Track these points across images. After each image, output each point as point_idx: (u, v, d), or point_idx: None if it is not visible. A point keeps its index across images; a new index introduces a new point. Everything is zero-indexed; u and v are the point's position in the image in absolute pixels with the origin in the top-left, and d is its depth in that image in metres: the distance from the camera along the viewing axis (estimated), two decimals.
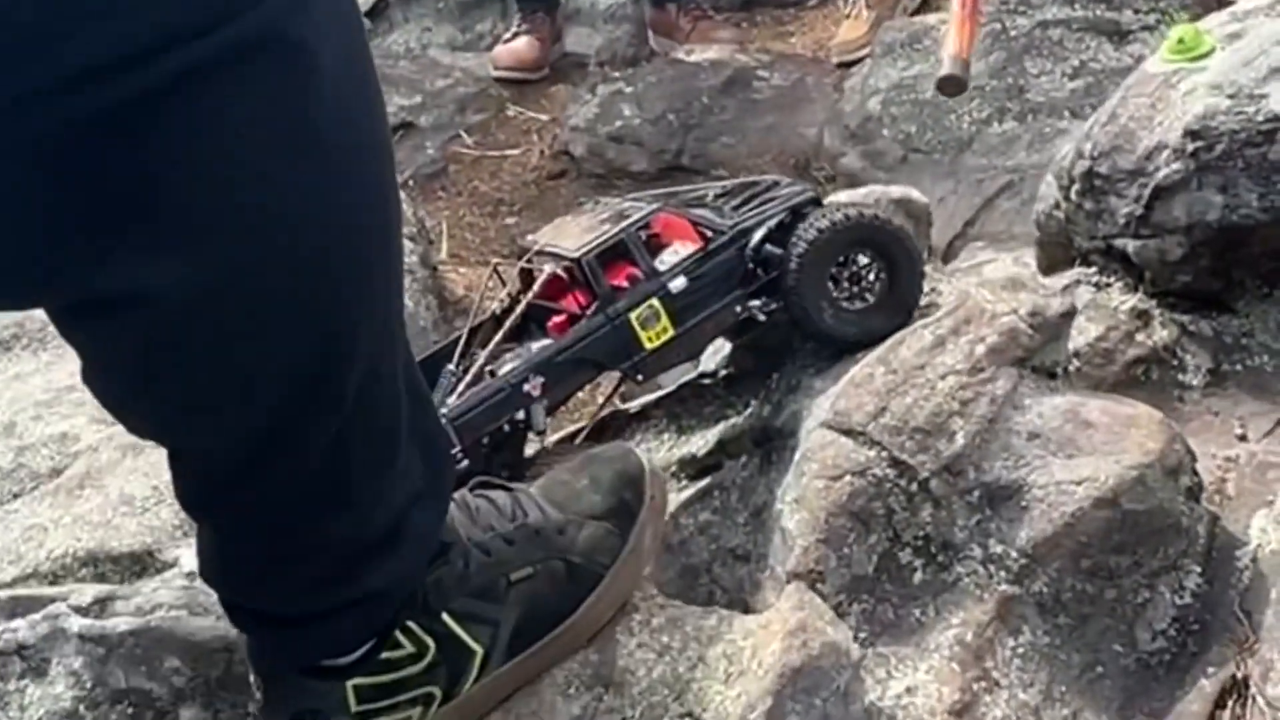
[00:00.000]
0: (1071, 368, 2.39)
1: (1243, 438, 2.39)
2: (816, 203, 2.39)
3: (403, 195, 4.01)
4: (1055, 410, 2.11)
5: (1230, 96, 2.43)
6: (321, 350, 1.48)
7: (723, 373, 2.48)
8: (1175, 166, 2.44)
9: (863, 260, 2.31)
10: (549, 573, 1.83)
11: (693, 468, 2.40)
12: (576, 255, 2.27)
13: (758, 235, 2.33)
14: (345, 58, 1.38)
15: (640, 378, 2.33)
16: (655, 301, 2.27)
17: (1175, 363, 2.48)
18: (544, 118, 4.95)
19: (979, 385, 2.10)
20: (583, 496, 1.89)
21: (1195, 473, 2.14)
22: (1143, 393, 2.43)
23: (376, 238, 1.51)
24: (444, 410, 2.21)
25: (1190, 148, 2.43)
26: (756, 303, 2.34)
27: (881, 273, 2.31)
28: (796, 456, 2.13)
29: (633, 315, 2.27)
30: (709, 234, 2.32)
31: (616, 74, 5.08)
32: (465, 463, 2.17)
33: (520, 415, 2.26)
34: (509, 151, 4.86)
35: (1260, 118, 2.40)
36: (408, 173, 4.83)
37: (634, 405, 2.52)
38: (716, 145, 4.57)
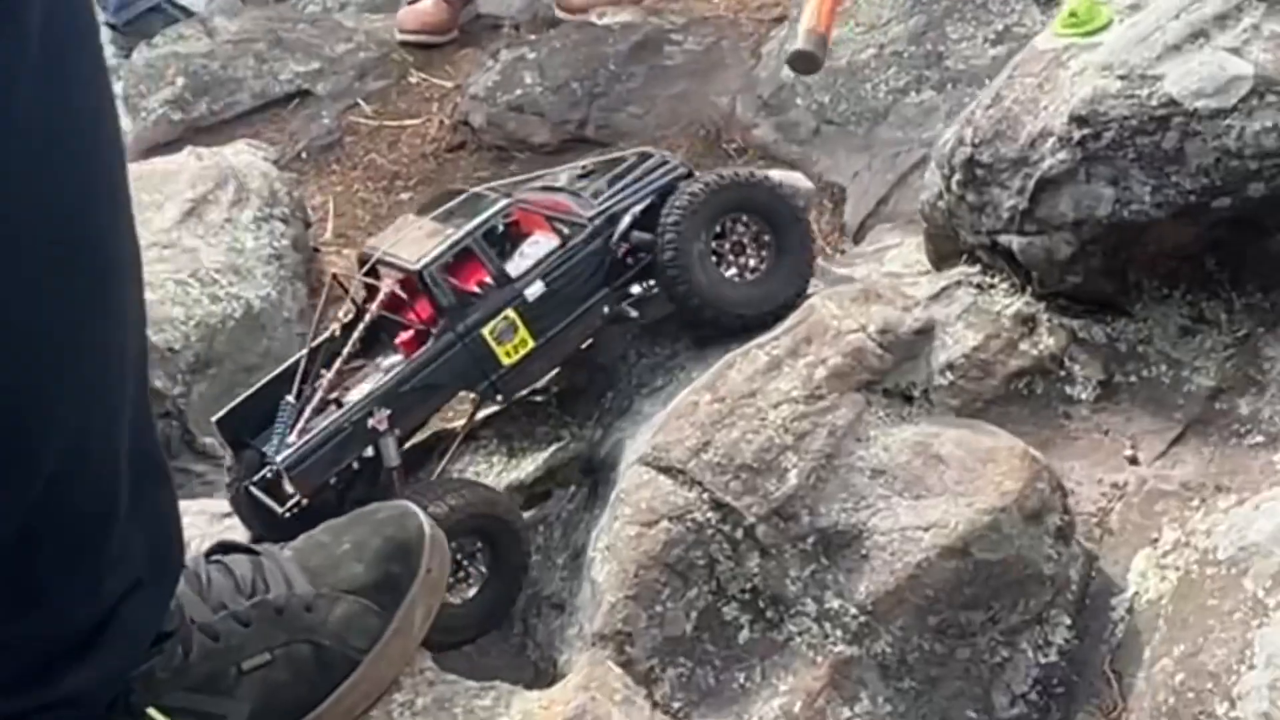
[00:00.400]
0: (945, 382, 2.14)
1: (1133, 460, 2.15)
2: (689, 178, 2.14)
3: (280, 174, 3.75)
4: (904, 443, 1.86)
5: (1121, 78, 2.17)
6: (2, 423, 1.24)
7: (555, 389, 2.22)
8: (1061, 156, 2.19)
9: (743, 226, 2.09)
10: (291, 658, 1.57)
11: (521, 495, 2.16)
12: (417, 267, 2.02)
13: (623, 224, 2.09)
14: (49, 85, 1.15)
15: (500, 397, 2.09)
16: (510, 312, 2.04)
17: (1062, 374, 2.24)
18: (448, 85, 4.68)
19: (817, 415, 1.85)
20: (342, 565, 1.64)
21: (1066, 510, 1.89)
22: (1025, 409, 2.20)
23: (83, 291, 1.26)
24: (283, 453, 1.98)
25: (1077, 135, 2.17)
26: (636, 290, 2.11)
27: (766, 237, 2.10)
28: (613, 495, 1.88)
29: (485, 330, 2.03)
30: (565, 230, 2.08)
31: (533, 36, 4.79)
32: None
33: (370, 452, 2.02)
34: (408, 121, 4.59)
35: (1153, 102, 2.14)
36: (301, 144, 4.57)
37: (459, 424, 2.26)
38: (623, 115, 4.30)
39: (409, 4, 5.01)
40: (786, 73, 4.20)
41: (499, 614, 2.01)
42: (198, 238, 3.49)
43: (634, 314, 2.13)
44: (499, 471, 2.21)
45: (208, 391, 3.29)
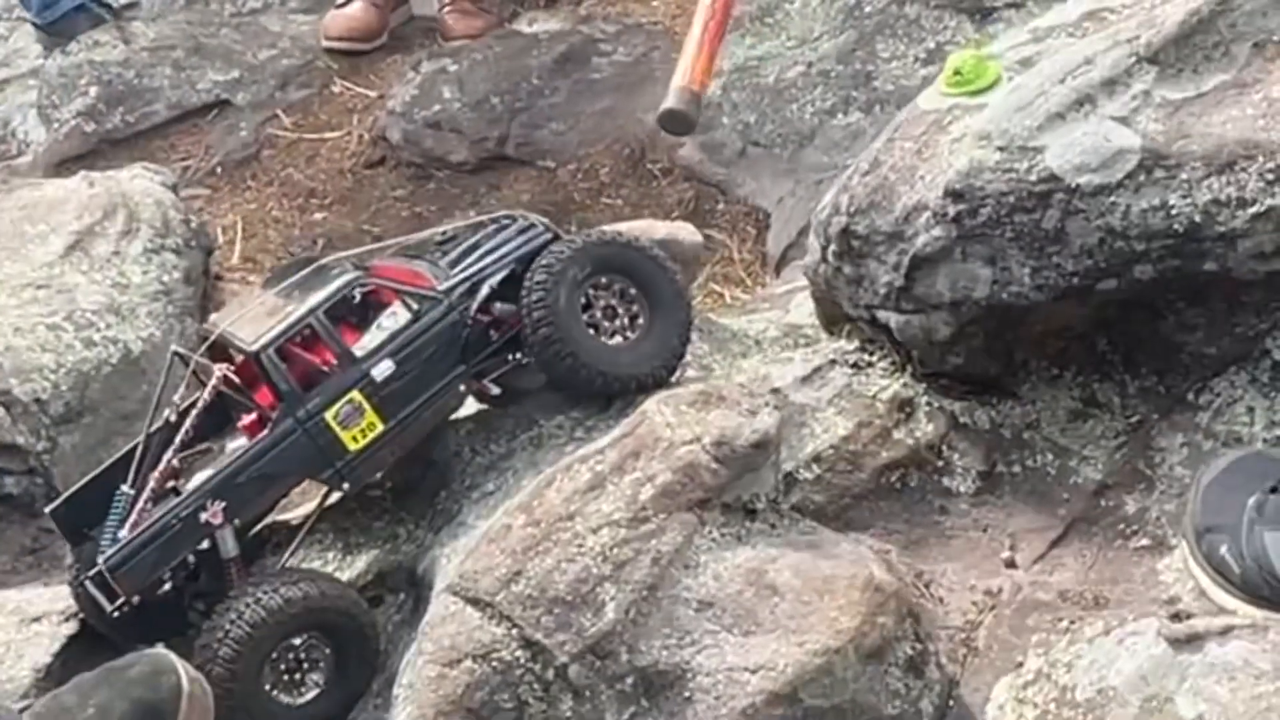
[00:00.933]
0: (810, 476, 1.99)
1: (1011, 563, 2.00)
2: (555, 240, 2.02)
3: (176, 200, 3.57)
4: (737, 570, 1.70)
5: (1000, 149, 2.01)
6: None
7: (390, 484, 2.07)
8: (935, 233, 2.03)
9: (612, 287, 1.98)
10: None
11: None
12: (253, 349, 1.89)
13: (480, 295, 1.96)
14: None
15: (347, 486, 1.95)
16: (356, 394, 1.90)
17: (940, 464, 2.09)
18: (371, 94, 4.51)
19: (640, 540, 1.70)
20: None
21: (919, 638, 1.75)
22: (898, 504, 2.05)
23: None
24: (107, 552, 1.86)
25: (952, 211, 2.01)
26: (494, 368, 1.99)
27: (640, 302, 1.98)
28: (422, 623, 1.73)
29: (329, 414, 1.89)
30: (415, 305, 1.94)
31: (464, 44, 4.61)
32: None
33: (206, 544, 1.91)
34: (328, 134, 4.42)
35: (1033, 177, 1.98)
36: (216, 159, 4.40)
37: (295, 515, 2.11)
38: (545, 132, 4.13)
39: (336, 8, 4.82)
40: (713, 87, 4.04)
41: (339, 718, 1.88)
42: (81, 273, 3.32)
43: (495, 390, 2.01)
44: (334, 569, 2.06)
45: (80, 443, 3.12)
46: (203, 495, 1.86)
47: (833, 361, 2.15)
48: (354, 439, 1.90)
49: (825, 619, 1.63)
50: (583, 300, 1.94)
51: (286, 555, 2.02)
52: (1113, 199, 1.94)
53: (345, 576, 2.02)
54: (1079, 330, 2.06)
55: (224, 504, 1.87)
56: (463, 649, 1.63)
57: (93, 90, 4.56)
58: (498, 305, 1.95)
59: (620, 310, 1.97)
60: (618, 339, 1.95)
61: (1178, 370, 2.06)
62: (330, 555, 2.07)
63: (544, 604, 1.64)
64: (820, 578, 1.67)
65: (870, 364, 2.15)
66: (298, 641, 1.83)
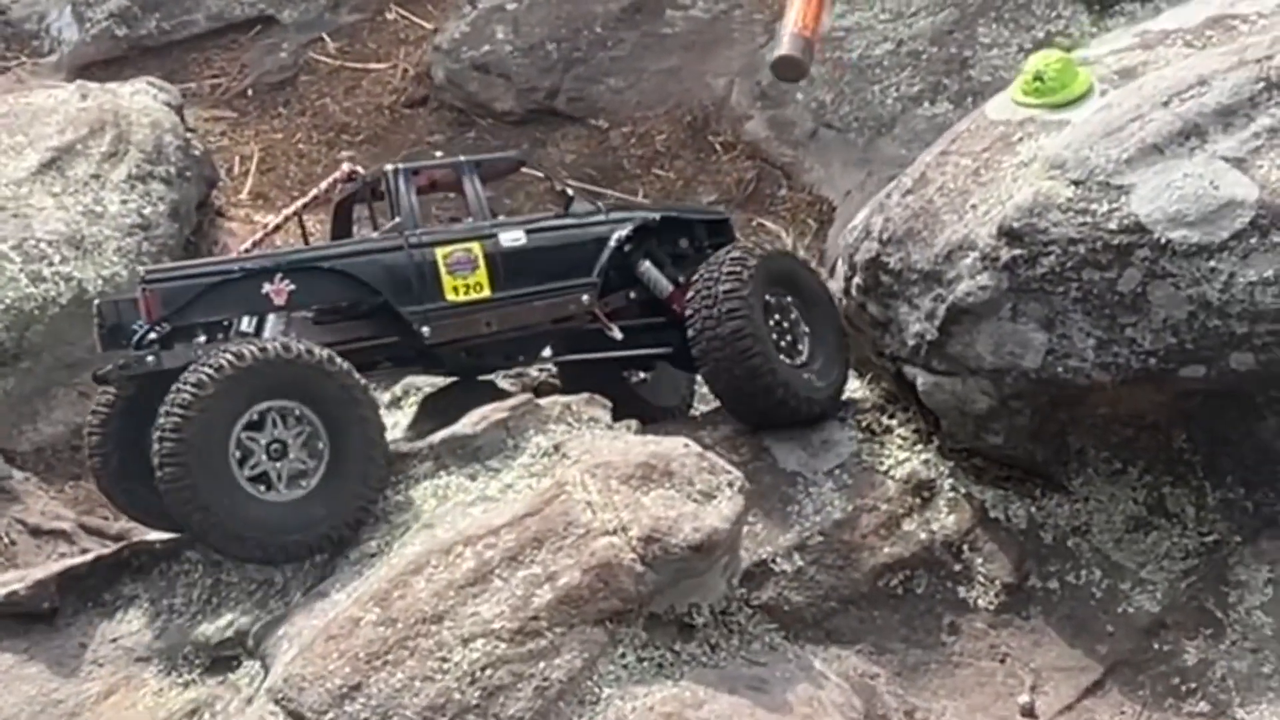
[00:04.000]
0: (789, 569, 1.59)
1: (1028, 711, 1.59)
2: (724, 225, 2.12)
3: (177, 123, 3.21)
4: (649, 714, 1.29)
5: (1075, 183, 1.59)
6: None
7: None
8: (982, 280, 1.62)
9: (788, 307, 1.93)
10: None
11: (206, 657, 1.64)
12: (387, 168, 1.92)
13: (631, 225, 1.95)
14: None
15: (426, 331, 1.79)
16: (475, 246, 1.84)
17: (958, 568, 1.70)
18: (426, 26, 4.15)
19: (524, 662, 1.29)
20: None
21: None
22: (897, 616, 1.66)
23: None
24: (164, 268, 1.84)
25: (1005, 255, 1.60)
26: (621, 307, 2.00)
27: (805, 321, 1.93)
28: None
29: (440, 251, 1.82)
30: (569, 194, 1.97)
31: None
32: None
33: (247, 323, 1.78)
34: (373, 65, 4.08)
35: (1112, 224, 1.55)
36: (250, 79, 4.08)
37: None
38: (601, 88, 3.76)
39: None
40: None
41: (333, 520, 1.58)
42: (51, 196, 2.97)
43: (618, 334, 1.96)
44: (195, 612, 1.69)
45: (15, 390, 2.81)
46: (276, 263, 1.74)
47: (840, 420, 1.73)
48: (455, 289, 1.81)
49: None
50: (764, 309, 1.89)
51: None
52: (1213, 264, 1.52)
53: (207, 627, 1.66)
54: (1152, 420, 1.64)
55: (291, 286, 1.73)
56: None
57: None
58: (646, 264, 1.94)
59: (790, 332, 1.90)
60: (791, 359, 1.90)
61: (1272, 484, 1.64)
62: (195, 594, 1.71)
63: None
64: None
65: (887, 429, 1.75)
66: (273, 412, 1.59)
